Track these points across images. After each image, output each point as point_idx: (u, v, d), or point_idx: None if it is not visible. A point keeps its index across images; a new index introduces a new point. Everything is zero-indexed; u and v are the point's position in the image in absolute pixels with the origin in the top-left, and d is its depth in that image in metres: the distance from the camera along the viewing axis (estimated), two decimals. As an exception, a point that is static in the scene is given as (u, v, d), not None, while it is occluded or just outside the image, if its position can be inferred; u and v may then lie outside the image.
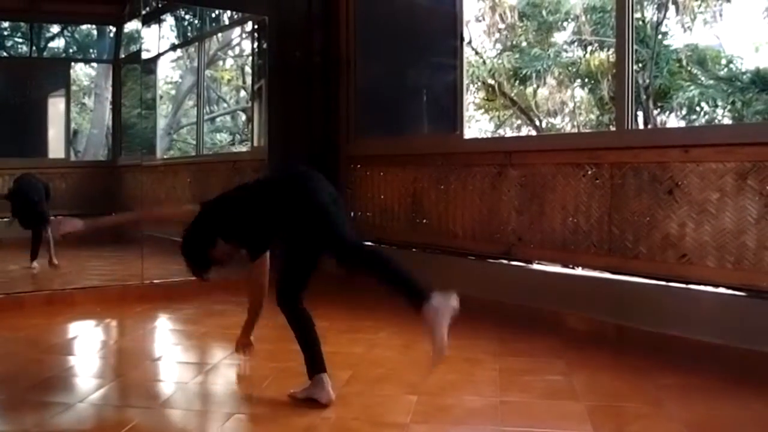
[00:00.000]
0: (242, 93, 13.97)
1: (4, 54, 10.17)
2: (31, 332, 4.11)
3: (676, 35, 9.70)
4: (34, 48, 10.45)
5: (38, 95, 9.78)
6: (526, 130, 11.53)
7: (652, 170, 3.75)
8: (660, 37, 9.53)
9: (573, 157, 4.16)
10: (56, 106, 9.86)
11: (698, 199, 3.58)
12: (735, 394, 3.04)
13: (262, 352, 3.77)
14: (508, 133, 11.81)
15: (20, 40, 10.55)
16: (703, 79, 9.39)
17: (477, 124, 11.62)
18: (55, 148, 9.75)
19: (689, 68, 9.50)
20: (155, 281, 5.33)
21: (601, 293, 3.99)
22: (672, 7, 9.49)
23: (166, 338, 4.33)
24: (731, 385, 3.15)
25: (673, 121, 9.69)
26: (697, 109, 9.29)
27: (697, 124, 9.25)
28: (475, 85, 10.77)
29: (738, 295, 3.46)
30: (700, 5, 9.40)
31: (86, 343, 4.03)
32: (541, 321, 4.19)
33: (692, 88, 9.23)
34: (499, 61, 10.89)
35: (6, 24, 10.12)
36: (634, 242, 3.84)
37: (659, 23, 9.53)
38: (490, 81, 10.86)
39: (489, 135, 11.57)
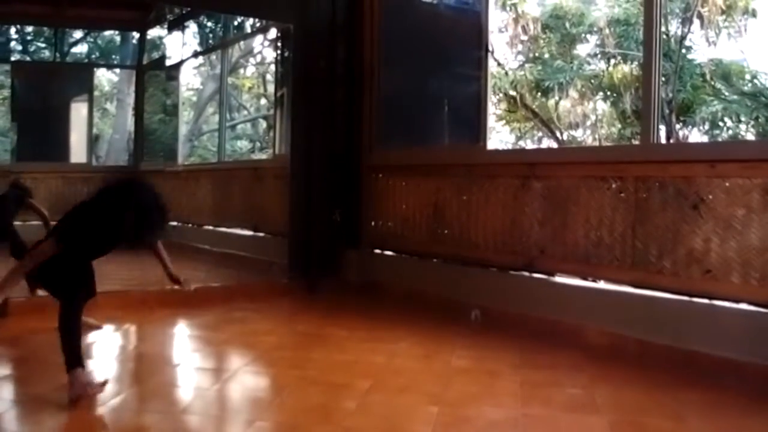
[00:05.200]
0: (263, 101, 14.06)
1: (28, 59, 10.31)
2: (51, 336, 4.09)
3: (700, 49, 9.66)
4: (57, 53, 10.59)
5: (61, 100, 9.89)
6: (547, 143, 11.50)
7: (677, 185, 3.72)
8: (684, 51, 9.48)
9: (597, 170, 4.13)
10: (79, 111, 9.97)
11: (724, 215, 3.54)
12: (759, 412, 3.01)
13: (283, 359, 3.78)
14: (528, 144, 11.79)
15: (43, 45, 10.70)
16: (726, 94, 9.31)
17: (498, 136, 11.62)
18: (77, 152, 9.86)
19: (713, 83, 9.43)
20: (176, 287, 5.33)
21: (624, 307, 3.95)
22: (696, 21, 9.44)
23: (186, 344, 4.34)
24: (755, 402, 3.11)
25: (696, 135, 9.63)
26: (720, 124, 9.22)
27: (720, 139, 9.18)
28: (497, 97, 10.77)
29: (763, 312, 3.40)
30: (725, 19, 9.34)
31: (106, 348, 4.05)
32: (563, 334, 4.16)
33: (716, 102, 9.17)
34: (521, 73, 10.89)
35: (30, 29, 10.26)
36: (658, 257, 3.81)
37: (683, 37, 9.48)
38: (512, 92, 10.86)
39: (509, 146, 11.55)
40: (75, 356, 3.01)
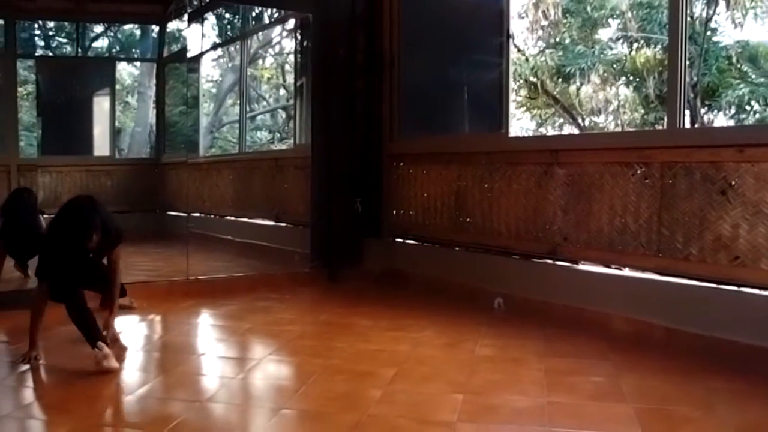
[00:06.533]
0: (282, 91, 14.04)
1: (50, 54, 10.38)
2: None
3: (726, 31, 9.47)
4: (79, 48, 10.65)
5: (84, 94, 9.96)
6: (569, 129, 11.39)
7: (704, 170, 3.66)
8: (709, 33, 9.32)
9: (622, 156, 4.08)
10: (101, 104, 10.04)
11: (753, 200, 3.48)
12: (789, 401, 2.96)
13: (307, 348, 3.79)
14: (549, 131, 11.69)
15: (65, 40, 10.76)
16: (753, 76, 9.15)
17: (518, 123, 11.52)
18: (100, 145, 9.93)
19: (739, 65, 9.26)
20: (200, 277, 5.39)
21: (649, 295, 3.91)
22: (722, 2, 9.26)
23: (210, 334, 4.37)
24: (785, 391, 3.06)
25: (722, 120, 9.47)
26: (747, 107, 9.06)
27: (746, 123, 9.02)
28: (517, 83, 10.68)
29: (793, 299, 3.36)
30: (751, 0, 9.15)
31: (132, 338, 4.08)
32: (587, 322, 4.13)
33: (742, 86, 9.00)
34: (542, 59, 10.78)
35: (52, 24, 10.33)
36: (685, 243, 3.76)
37: (709, 19, 9.32)
38: (533, 79, 10.76)
39: (530, 134, 11.45)
40: (93, 335, 3.39)
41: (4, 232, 5.11)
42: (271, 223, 7.20)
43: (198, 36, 9.84)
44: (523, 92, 11.33)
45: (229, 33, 11.40)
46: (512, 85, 5.55)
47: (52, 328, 4.02)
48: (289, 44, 12.03)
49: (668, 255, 3.83)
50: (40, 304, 3.53)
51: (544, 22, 10.62)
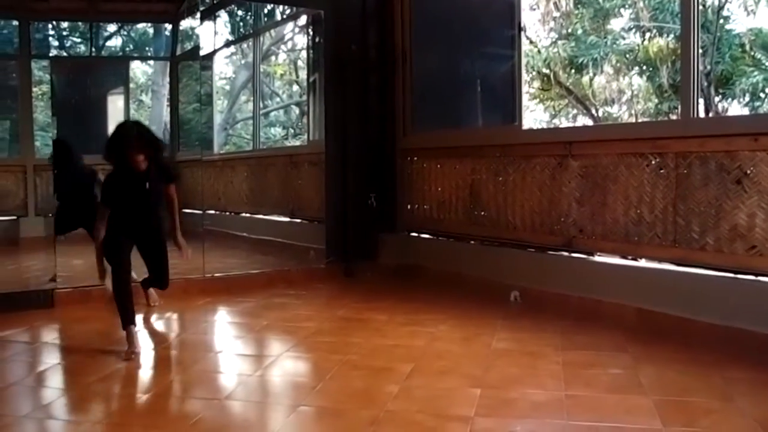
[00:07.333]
0: (295, 87, 14.04)
1: (65, 54, 10.45)
2: (96, 325, 4.22)
3: (739, 19, 9.38)
4: (93, 48, 10.72)
5: (98, 93, 10.02)
6: (582, 120, 11.32)
7: (719, 159, 3.65)
8: (722, 21, 9.23)
9: (636, 147, 4.06)
10: (115, 103, 10.09)
11: (769, 189, 3.46)
12: (809, 390, 2.94)
13: (324, 345, 3.80)
14: (563, 123, 11.63)
15: (79, 40, 10.82)
16: (767, 64, 9.06)
17: (532, 115, 11.48)
18: (115, 144, 9.95)
19: (753, 53, 9.16)
20: (216, 275, 5.42)
21: (666, 286, 3.90)
22: (735, -10, 9.17)
23: (227, 331, 4.39)
24: (804, 380, 3.04)
25: (736, 108, 9.38)
26: (761, 95, 8.97)
27: (761, 111, 8.94)
28: (530, 75, 10.62)
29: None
30: (764, -14, 9.06)
31: (150, 336, 4.12)
32: (604, 314, 4.12)
33: (756, 73, 8.90)
34: (554, 50, 10.72)
35: (65, 24, 10.40)
36: (701, 233, 3.74)
37: (721, 7, 9.23)
38: (545, 70, 10.70)
39: (544, 125, 11.40)
40: (126, 317, 3.65)
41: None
42: (286, 219, 7.23)
43: (211, 34, 9.86)
44: (536, 84, 11.28)
45: (241, 30, 11.43)
46: (525, 77, 5.54)
47: (70, 328, 4.09)
48: (302, 40, 12.05)
49: (684, 245, 3.82)
50: (101, 224, 3.84)
51: (556, 14, 10.55)
